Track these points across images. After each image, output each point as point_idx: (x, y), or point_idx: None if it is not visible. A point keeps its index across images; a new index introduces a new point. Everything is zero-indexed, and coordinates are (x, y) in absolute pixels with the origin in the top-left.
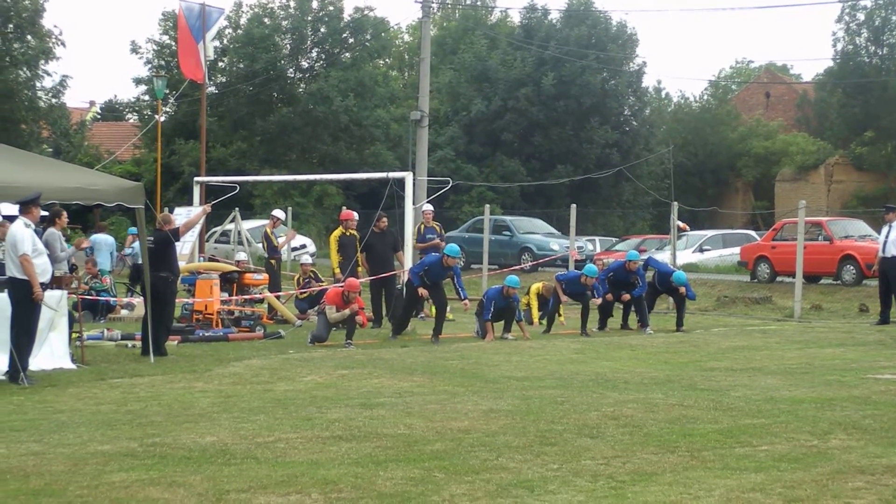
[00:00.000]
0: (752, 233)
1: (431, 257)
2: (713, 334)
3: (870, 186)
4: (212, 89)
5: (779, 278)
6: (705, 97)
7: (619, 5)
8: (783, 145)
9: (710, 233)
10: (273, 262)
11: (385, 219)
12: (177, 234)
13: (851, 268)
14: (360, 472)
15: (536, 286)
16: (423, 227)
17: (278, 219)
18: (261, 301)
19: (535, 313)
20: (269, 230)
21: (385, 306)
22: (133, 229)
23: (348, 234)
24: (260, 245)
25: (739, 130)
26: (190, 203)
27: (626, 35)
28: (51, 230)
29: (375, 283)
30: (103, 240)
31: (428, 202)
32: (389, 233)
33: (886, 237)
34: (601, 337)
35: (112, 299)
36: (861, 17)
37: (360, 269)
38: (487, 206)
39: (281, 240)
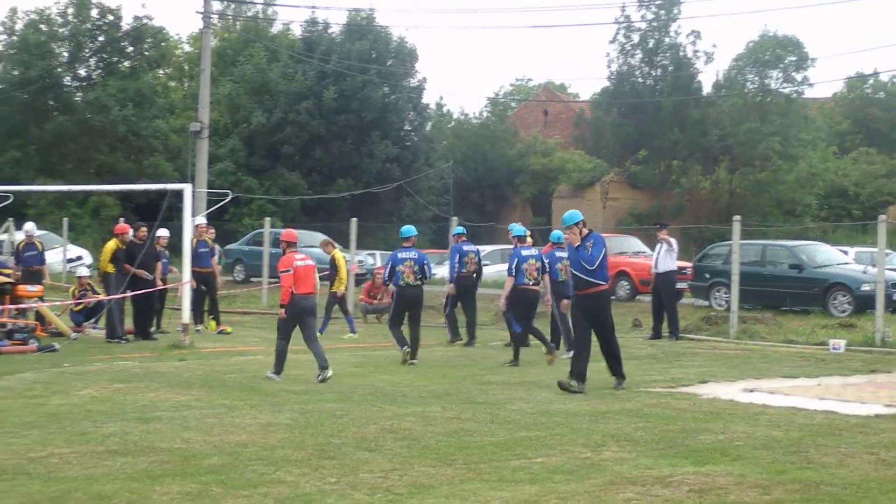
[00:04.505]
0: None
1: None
2: (490, 348)
3: (644, 204)
4: None
5: None
6: (485, 114)
7: (400, 21)
8: (560, 162)
9: (488, 248)
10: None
11: (144, 229)
12: None
13: (625, 283)
14: (135, 486)
15: None
16: (195, 240)
17: (31, 235)
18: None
19: None
20: (21, 245)
21: (156, 319)
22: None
23: (123, 247)
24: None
25: (518, 147)
26: None
27: (406, 50)
28: None
29: (138, 296)
30: None
31: (203, 216)
32: (155, 244)
33: (658, 253)
34: (380, 351)
35: None
36: (636, 38)
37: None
38: (268, 219)
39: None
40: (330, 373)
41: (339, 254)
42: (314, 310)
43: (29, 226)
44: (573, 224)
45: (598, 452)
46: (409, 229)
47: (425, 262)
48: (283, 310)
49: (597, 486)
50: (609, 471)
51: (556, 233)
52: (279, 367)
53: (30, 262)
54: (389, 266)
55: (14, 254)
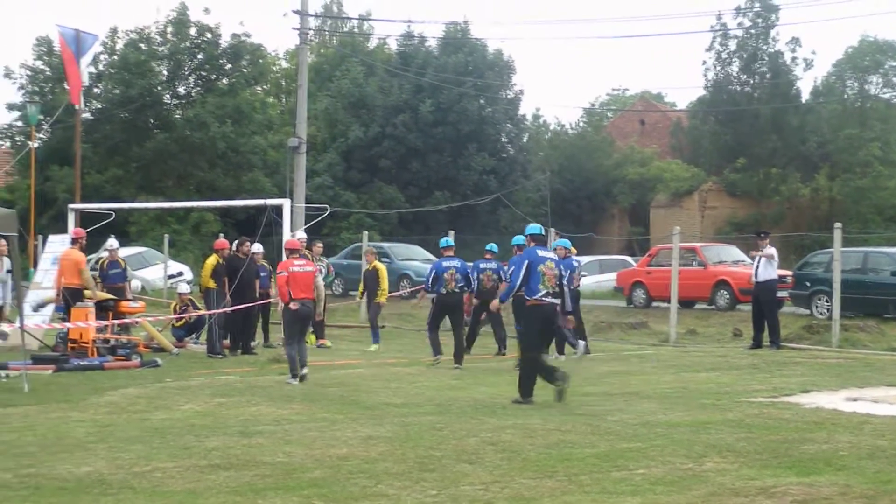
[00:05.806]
0: (629, 258)
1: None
2: (589, 359)
3: (742, 212)
4: (87, 115)
5: (654, 303)
6: (581, 124)
7: (495, 33)
8: (658, 172)
9: (586, 259)
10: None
11: (249, 244)
12: None
13: (725, 293)
14: (238, 500)
15: None
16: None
17: (114, 249)
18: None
19: None
20: (104, 263)
21: (263, 333)
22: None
23: (223, 262)
24: (136, 272)
25: (615, 157)
26: (65, 230)
27: (502, 62)
28: None
29: (240, 310)
30: None
31: (303, 230)
32: (254, 259)
33: (759, 262)
34: (479, 363)
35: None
36: (732, 46)
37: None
38: (366, 232)
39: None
40: (305, 370)
41: (381, 265)
42: (310, 314)
43: (111, 242)
44: (527, 235)
45: (699, 463)
46: (447, 240)
47: (468, 271)
48: (292, 303)
49: (699, 497)
50: (711, 482)
51: (565, 240)
52: (294, 371)
53: (114, 280)
54: (433, 274)
55: (98, 271)
